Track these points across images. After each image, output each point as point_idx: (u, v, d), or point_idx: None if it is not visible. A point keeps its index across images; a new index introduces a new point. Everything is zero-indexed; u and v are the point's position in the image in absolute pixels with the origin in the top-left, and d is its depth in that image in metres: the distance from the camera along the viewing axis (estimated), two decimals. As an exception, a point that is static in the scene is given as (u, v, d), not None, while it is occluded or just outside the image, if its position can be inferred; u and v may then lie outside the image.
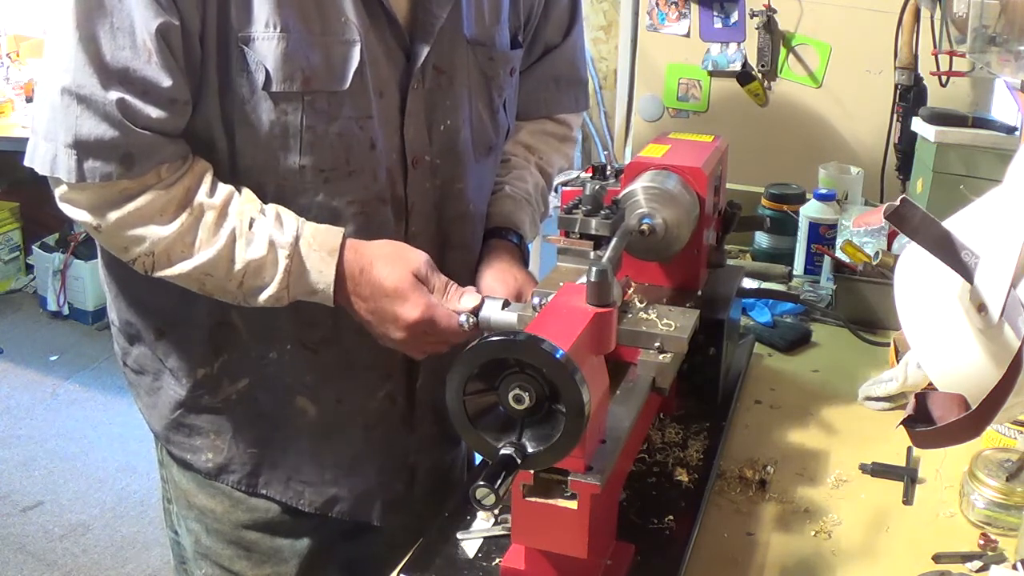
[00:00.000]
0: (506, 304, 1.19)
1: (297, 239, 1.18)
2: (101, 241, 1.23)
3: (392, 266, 1.19)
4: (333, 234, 1.19)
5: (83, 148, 1.10)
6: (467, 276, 1.36)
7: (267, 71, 1.14)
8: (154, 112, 1.12)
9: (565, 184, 1.66)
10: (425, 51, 1.25)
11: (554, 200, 3.84)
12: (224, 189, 1.18)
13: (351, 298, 1.20)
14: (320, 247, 1.18)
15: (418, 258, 1.21)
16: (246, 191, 1.20)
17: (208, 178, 1.18)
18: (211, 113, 1.17)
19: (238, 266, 1.17)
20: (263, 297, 1.19)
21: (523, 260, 1.44)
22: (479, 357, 0.88)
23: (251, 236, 1.17)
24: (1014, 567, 1.09)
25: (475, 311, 1.20)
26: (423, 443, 1.44)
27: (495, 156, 1.43)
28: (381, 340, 1.23)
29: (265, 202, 1.20)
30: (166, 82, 1.11)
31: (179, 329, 1.32)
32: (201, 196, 1.17)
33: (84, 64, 1.09)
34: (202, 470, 1.38)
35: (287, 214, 1.19)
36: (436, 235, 1.34)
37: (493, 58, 1.34)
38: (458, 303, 1.20)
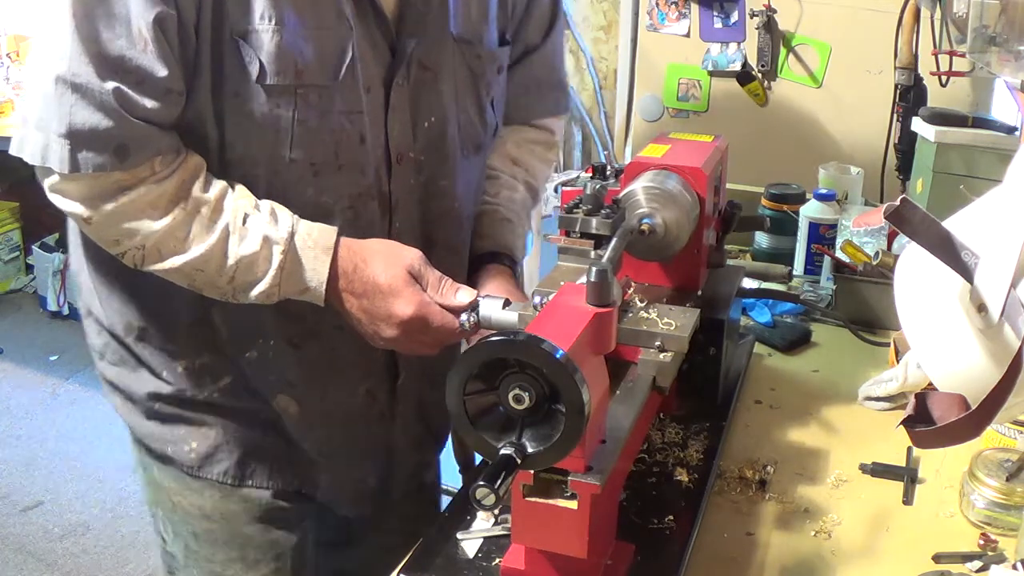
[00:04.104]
0: (506, 303, 1.19)
1: (292, 235, 1.17)
2: (91, 233, 1.20)
3: (387, 263, 1.19)
4: (328, 232, 1.19)
5: (77, 138, 1.09)
6: (452, 277, 1.35)
7: (261, 63, 1.14)
8: (149, 102, 1.11)
9: (565, 184, 1.66)
10: (410, 47, 1.24)
11: (554, 200, 3.83)
12: (218, 184, 1.18)
13: (343, 296, 1.20)
14: (315, 244, 1.18)
15: (412, 254, 1.20)
16: (240, 187, 1.19)
17: (202, 172, 1.17)
18: (203, 105, 1.16)
19: (230, 261, 1.16)
20: (254, 293, 1.18)
21: (518, 285, 1.44)
22: (479, 357, 0.88)
23: (245, 232, 1.16)
24: (1014, 567, 1.09)
25: (470, 307, 1.19)
26: (404, 441, 1.43)
27: (484, 154, 1.43)
28: (371, 339, 1.22)
29: (256, 197, 1.19)
30: (162, 72, 1.10)
31: (159, 325, 1.31)
32: (195, 190, 1.16)
33: (80, 52, 1.07)
34: (185, 462, 1.36)
35: (281, 210, 1.19)
36: (421, 233, 1.33)
37: (481, 56, 1.34)
38: (453, 299, 1.20)
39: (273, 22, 1.13)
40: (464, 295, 1.20)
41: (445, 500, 1.59)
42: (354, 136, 1.22)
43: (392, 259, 1.20)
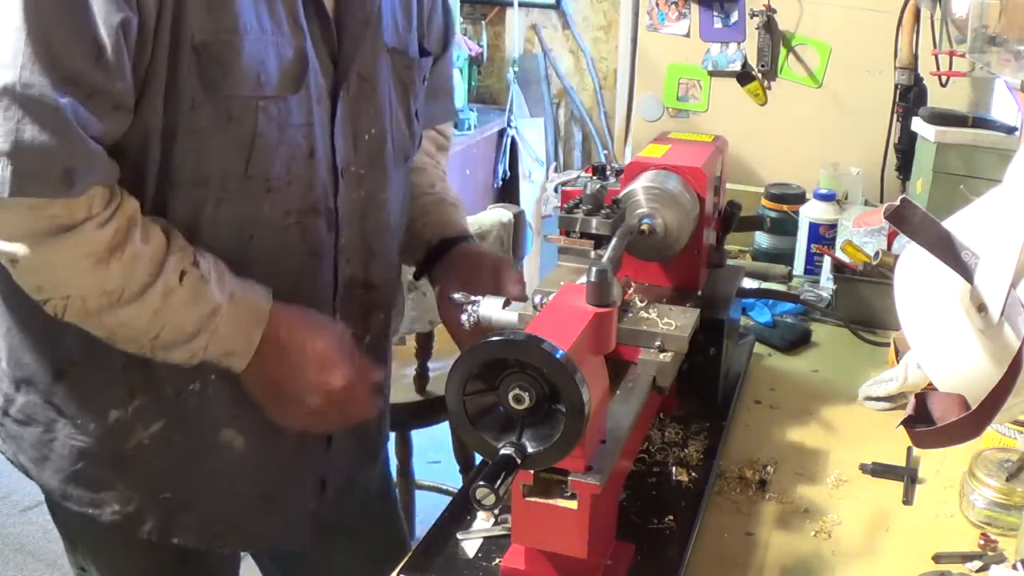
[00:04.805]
0: (506, 303, 1.19)
1: (230, 297, 1.11)
2: (17, 275, 1.06)
3: (322, 334, 1.17)
4: (263, 296, 1.15)
5: (21, 157, 0.97)
6: (388, 290, 1.35)
7: (221, 74, 1.07)
8: (100, 119, 1.01)
9: (565, 184, 1.67)
10: (351, 58, 1.21)
11: (554, 200, 3.84)
12: (156, 234, 1.08)
13: (269, 362, 1.15)
14: (249, 309, 1.13)
15: (341, 328, 1.21)
16: (178, 236, 1.10)
17: (139, 219, 1.08)
18: (151, 122, 1.07)
19: (159, 321, 1.09)
20: (177, 354, 1.11)
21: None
22: (479, 357, 0.88)
23: (181, 291, 1.08)
24: (1014, 567, 1.09)
25: (380, 386, 1.24)
26: (339, 459, 1.38)
27: (409, 165, 1.40)
28: (284, 406, 1.18)
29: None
30: (118, 85, 1.01)
31: (85, 369, 1.19)
32: (133, 241, 1.06)
33: (32, 60, 0.96)
34: (107, 523, 1.25)
35: (220, 268, 1.12)
36: (362, 247, 1.29)
37: (410, 66, 1.31)
38: (371, 375, 1.21)
39: (234, 32, 1.06)
40: (377, 373, 1.23)
41: (445, 500, 1.59)
42: (305, 150, 1.16)
43: (325, 329, 1.19)
